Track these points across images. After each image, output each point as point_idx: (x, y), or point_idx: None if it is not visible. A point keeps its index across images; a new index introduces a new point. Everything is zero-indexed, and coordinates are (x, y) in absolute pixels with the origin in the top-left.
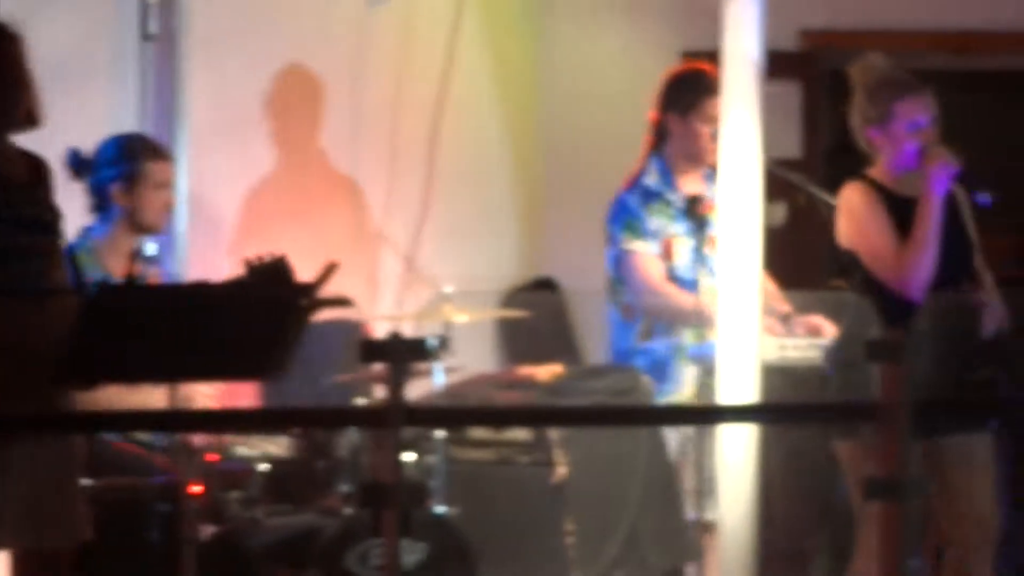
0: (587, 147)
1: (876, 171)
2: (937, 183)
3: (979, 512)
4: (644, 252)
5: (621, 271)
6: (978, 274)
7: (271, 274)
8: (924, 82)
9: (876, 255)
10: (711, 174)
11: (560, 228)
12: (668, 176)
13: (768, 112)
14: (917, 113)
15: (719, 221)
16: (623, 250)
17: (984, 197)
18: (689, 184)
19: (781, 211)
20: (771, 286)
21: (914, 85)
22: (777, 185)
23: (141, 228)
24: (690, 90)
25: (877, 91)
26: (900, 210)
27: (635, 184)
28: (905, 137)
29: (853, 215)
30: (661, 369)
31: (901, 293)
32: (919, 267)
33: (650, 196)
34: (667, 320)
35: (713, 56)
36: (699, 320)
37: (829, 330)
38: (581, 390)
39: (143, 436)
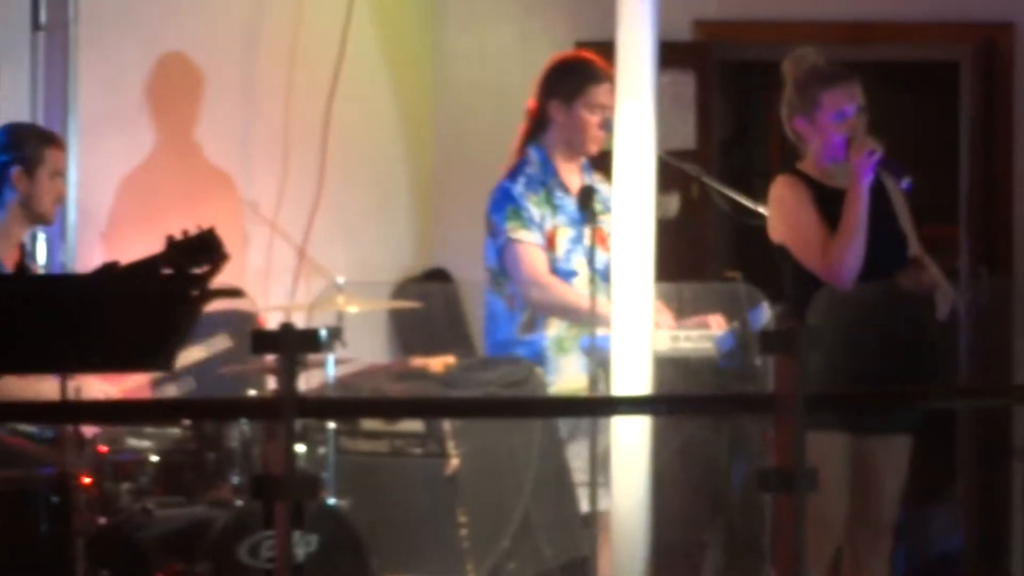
0: (481, 137)
1: (805, 163)
2: (863, 172)
3: (881, 516)
4: (530, 242)
5: (506, 261)
6: (919, 262)
7: (198, 248)
8: (852, 72)
9: (805, 247)
10: (587, 165)
11: (453, 218)
12: (549, 166)
13: (662, 102)
14: (843, 103)
15: (614, 212)
16: (508, 239)
17: (906, 182)
18: (568, 174)
19: (675, 202)
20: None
21: (841, 76)
22: (671, 175)
23: (34, 217)
24: (575, 77)
25: (805, 82)
26: (830, 201)
27: (517, 172)
28: (831, 127)
29: (782, 208)
30: (541, 361)
31: (831, 284)
32: (847, 256)
33: (533, 185)
34: (554, 314)
35: (607, 46)
36: (587, 317)
37: (716, 324)
38: (474, 381)
39: (29, 427)
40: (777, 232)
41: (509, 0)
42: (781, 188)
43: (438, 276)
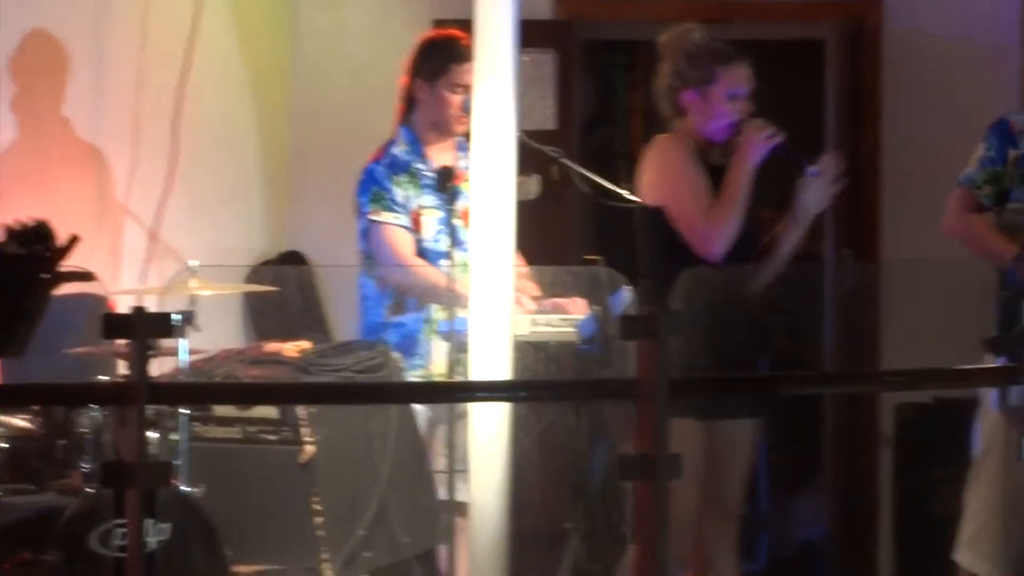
0: (338, 118)
1: (684, 131)
2: (754, 151)
3: (729, 501)
4: (392, 224)
5: (370, 243)
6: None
7: (32, 238)
8: (746, 54)
9: (686, 207)
10: (463, 143)
11: (309, 200)
12: (417, 146)
13: (522, 82)
14: (738, 82)
15: (472, 193)
16: (371, 221)
17: (814, 169)
18: (440, 154)
19: (535, 184)
20: (521, 267)
21: (737, 55)
22: (531, 157)
23: None
24: (439, 56)
25: (699, 56)
26: (707, 173)
27: (383, 154)
28: (723, 103)
29: (666, 167)
30: (412, 344)
31: (702, 252)
32: (725, 226)
33: (398, 166)
34: (416, 296)
35: (467, 25)
36: (449, 298)
37: (576, 308)
38: (329, 366)
39: None
40: (655, 192)
41: None
42: (666, 145)
43: (293, 259)
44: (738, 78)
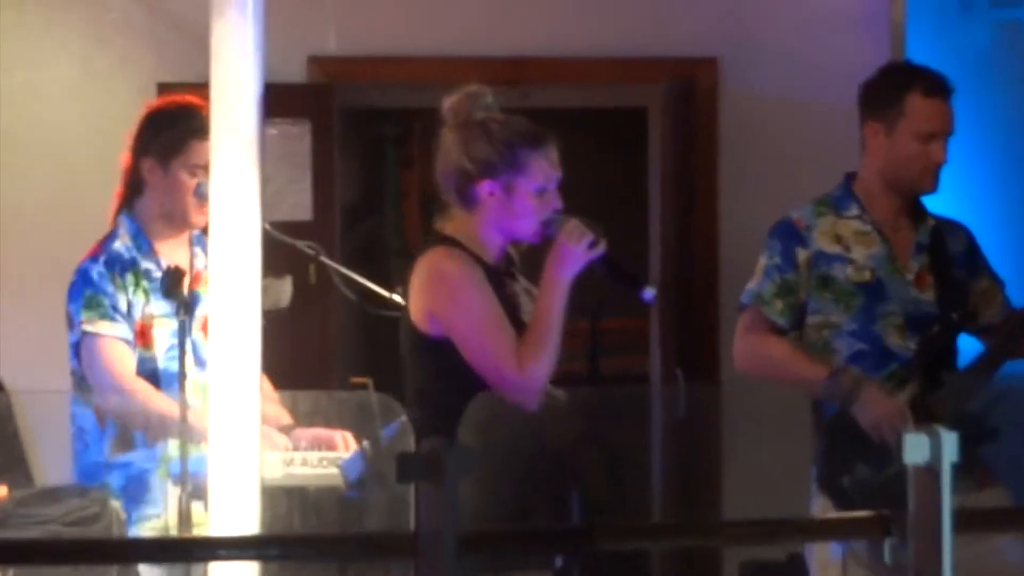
0: (40, 203)
1: (458, 229)
2: (568, 263)
3: None
4: (111, 336)
5: (82, 360)
6: None
7: None
8: (551, 133)
9: (485, 347)
10: (199, 238)
11: (5, 309)
12: (143, 239)
13: (270, 161)
14: (549, 173)
15: (211, 302)
16: (84, 333)
17: (648, 292)
18: (172, 251)
19: (287, 288)
20: (269, 388)
21: (547, 137)
22: (282, 255)
23: None
24: (174, 130)
25: (507, 138)
26: (493, 283)
27: (101, 250)
28: (531, 199)
29: (447, 289)
30: (141, 488)
31: (515, 401)
32: (540, 372)
33: (119, 265)
34: (138, 427)
35: (197, 89)
36: (180, 429)
37: (344, 443)
38: (32, 518)
39: None
40: (439, 321)
41: (74, 30)
42: (445, 264)
43: None
44: (549, 166)
